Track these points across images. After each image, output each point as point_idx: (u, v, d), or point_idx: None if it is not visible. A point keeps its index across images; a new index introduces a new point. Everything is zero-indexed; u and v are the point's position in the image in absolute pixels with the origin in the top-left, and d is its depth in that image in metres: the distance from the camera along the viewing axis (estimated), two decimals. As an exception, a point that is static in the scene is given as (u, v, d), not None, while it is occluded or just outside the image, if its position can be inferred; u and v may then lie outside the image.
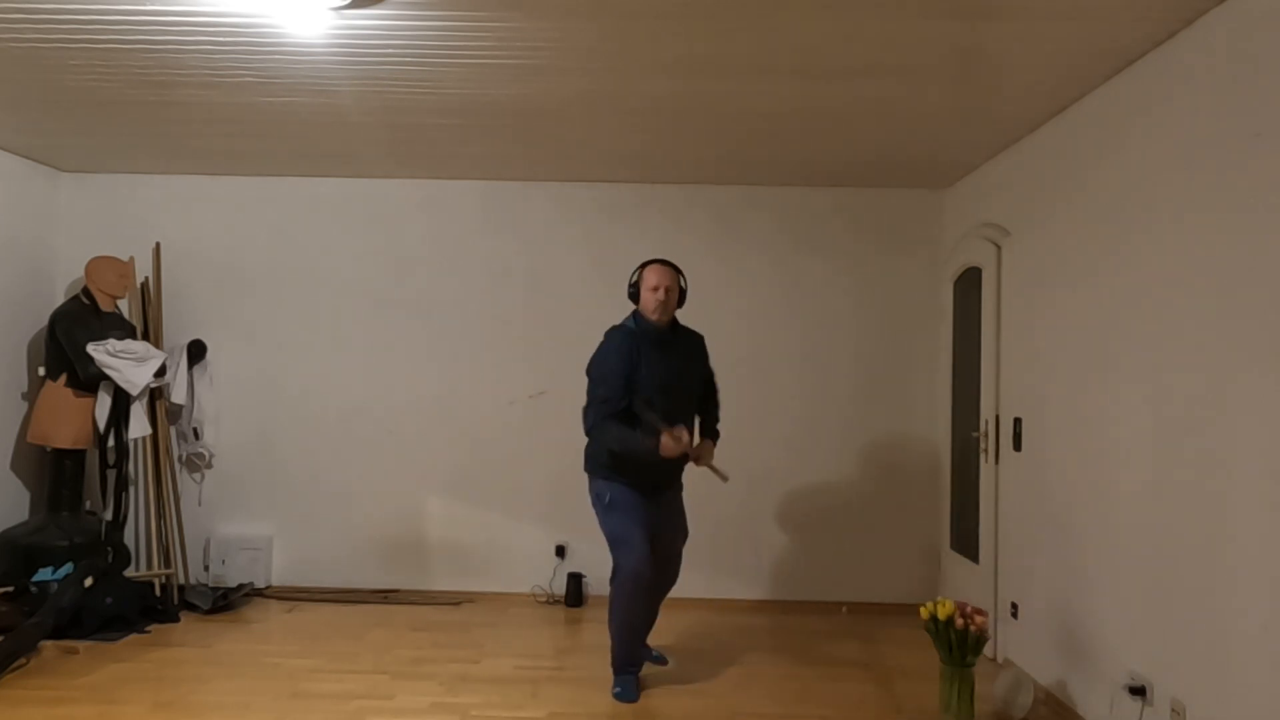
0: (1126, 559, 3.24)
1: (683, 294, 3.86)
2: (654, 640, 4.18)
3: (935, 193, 5.42)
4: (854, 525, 5.37)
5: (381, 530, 5.41)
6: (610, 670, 3.87)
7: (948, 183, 5.25)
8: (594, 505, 3.86)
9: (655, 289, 3.74)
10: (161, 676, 3.94)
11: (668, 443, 3.56)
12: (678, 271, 3.84)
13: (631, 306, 3.87)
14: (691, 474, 3.97)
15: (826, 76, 3.49)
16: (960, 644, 3.49)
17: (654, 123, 4.17)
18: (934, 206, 5.42)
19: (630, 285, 3.86)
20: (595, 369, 3.76)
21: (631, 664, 3.87)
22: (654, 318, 3.76)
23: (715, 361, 4.13)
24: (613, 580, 3.79)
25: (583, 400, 3.79)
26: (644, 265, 3.83)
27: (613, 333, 3.83)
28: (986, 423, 4.50)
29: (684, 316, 3.97)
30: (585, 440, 3.87)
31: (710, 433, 4.05)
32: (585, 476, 3.92)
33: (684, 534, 4.10)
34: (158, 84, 3.74)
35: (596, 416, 3.68)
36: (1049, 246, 3.94)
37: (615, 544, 3.75)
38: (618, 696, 3.76)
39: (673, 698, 3.79)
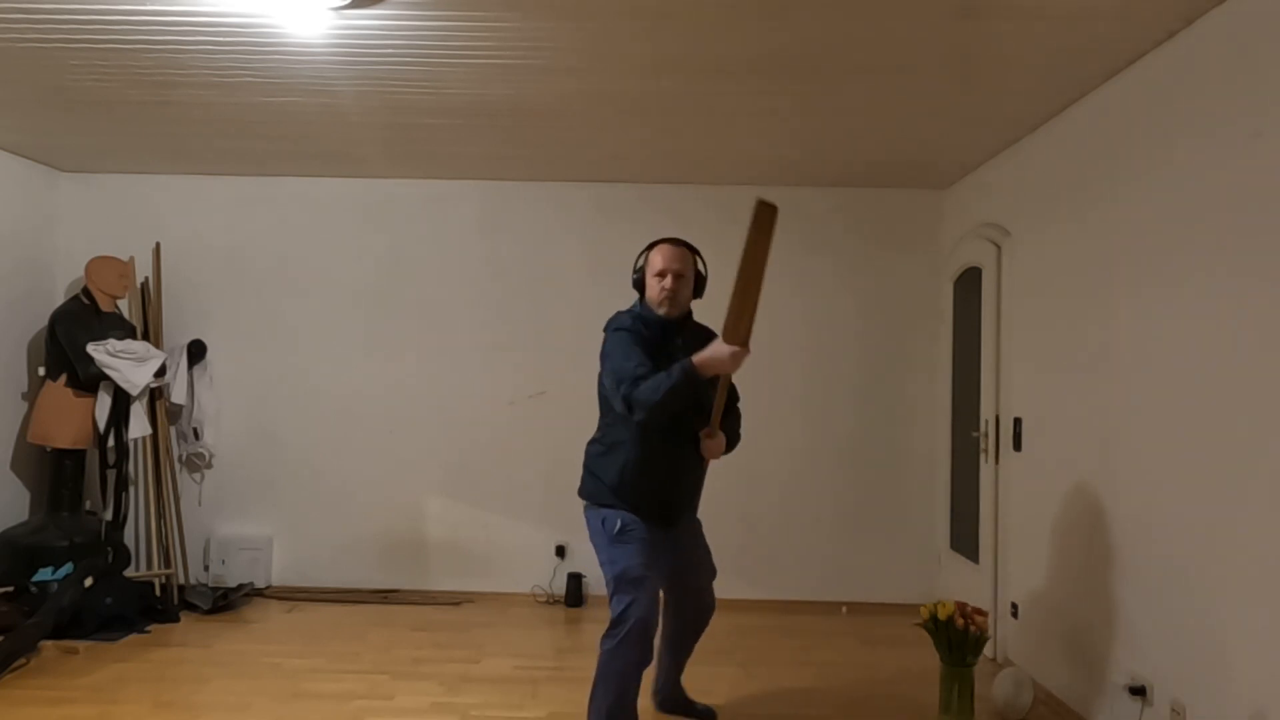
0: (1126, 559, 3.24)
1: (701, 281, 3.17)
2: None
3: (935, 193, 5.42)
4: (854, 525, 5.38)
5: (381, 530, 5.41)
6: None
7: (948, 183, 5.25)
8: (593, 539, 3.12)
9: (662, 275, 3.04)
10: (162, 676, 3.94)
11: (718, 359, 2.77)
12: (693, 252, 3.14)
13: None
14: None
15: (826, 76, 3.49)
16: (960, 644, 3.49)
17: (653, 122, 4.17)
18: (934, 206, 5.42)
19: (635, 271, 3.17)
20: (609, 358, 3.01)
21: None
22: (660, 311, 3.06)
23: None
24: (613, 634, 2.93)
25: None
26: (651, 245, 3.13)
27: (616, 316, 3.15)
28: (986, 423, 4.50)
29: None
30: (584, 441, 3.30)
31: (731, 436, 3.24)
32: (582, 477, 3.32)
33: (711, 572, 3.44)
34: (158, 84, 3.75)
35: (630, 392, 2.86)
36: (1049, 246, 3.94)
37: (622, 584, 2.95)
38: None
39: (673, 698, 3.78)
